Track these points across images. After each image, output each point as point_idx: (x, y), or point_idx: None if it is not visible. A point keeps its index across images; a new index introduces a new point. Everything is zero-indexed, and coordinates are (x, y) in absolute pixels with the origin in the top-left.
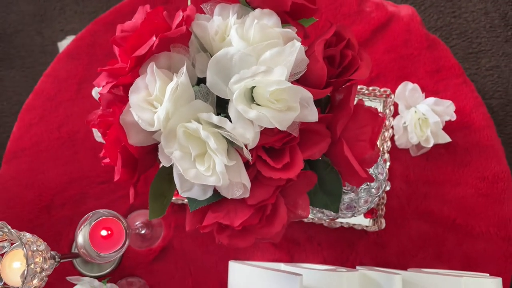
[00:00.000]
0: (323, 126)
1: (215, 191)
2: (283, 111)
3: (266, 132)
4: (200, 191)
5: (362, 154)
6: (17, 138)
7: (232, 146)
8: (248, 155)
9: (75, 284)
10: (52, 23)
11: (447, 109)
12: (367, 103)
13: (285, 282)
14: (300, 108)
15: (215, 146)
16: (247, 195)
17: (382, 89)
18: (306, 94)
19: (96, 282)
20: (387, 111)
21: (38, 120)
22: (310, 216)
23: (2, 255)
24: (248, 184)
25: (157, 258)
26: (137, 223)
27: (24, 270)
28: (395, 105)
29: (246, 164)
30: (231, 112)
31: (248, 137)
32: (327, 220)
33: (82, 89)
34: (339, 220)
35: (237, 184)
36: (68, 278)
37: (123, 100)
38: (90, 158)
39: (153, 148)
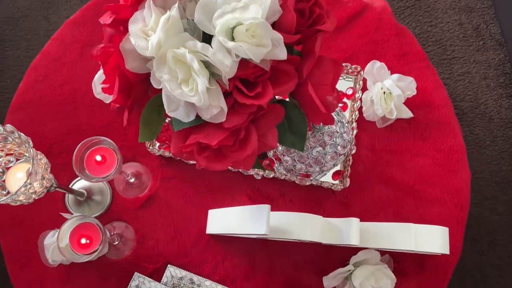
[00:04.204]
0: (292, 68)
1: (197, 117)
2: (257, 45)
3: (242, 66)
4: (184, 113)
5: (324, 95)
6: (23, 92)
7: (213, 77)
8: (225, 81)
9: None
10: (59, 9)
11: (409, 84)
12: (341, 81)
13: (255, 212)
14: (272, 47)
15: (198, 67)
16: (224, 118)
17: (353, 66)
18: (276, 35)
19: (87, 216)
20: (357, 85)
21: (43, 78)
22: (283, 172)
23: (8, 168)
24: (225, 107)
25: (143, 206)
26: (127, 173)
27: (29, 168)
28: (364, 81)
29: (225, 94)
30: (214, 43)
31: (227, 63)
32: (299, 177)
33: (85, 53)
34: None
35: (215, 106)
36: (61, 213)
37: (123, 33)
38: (88, 114)
39: (146, 78)
